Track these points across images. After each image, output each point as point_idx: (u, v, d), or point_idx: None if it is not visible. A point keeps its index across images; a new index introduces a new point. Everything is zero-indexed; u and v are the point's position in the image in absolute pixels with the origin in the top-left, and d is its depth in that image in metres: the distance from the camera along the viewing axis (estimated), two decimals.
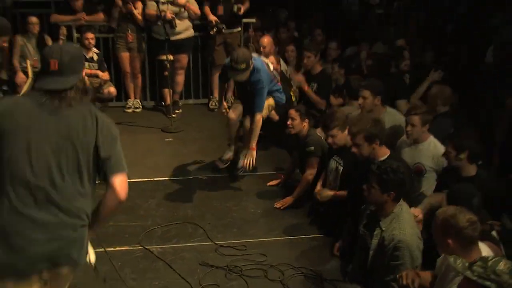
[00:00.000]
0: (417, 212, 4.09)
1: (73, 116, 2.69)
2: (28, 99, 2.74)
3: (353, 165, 4.71)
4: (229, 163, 5.92)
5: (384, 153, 4.44)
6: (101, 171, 2.79)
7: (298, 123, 5.54)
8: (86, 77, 2.86)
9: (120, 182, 2.79)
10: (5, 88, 5.36)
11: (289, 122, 5.59)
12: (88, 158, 2.73)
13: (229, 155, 5.86)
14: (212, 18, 7.75)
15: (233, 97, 7.48)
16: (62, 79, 2.66)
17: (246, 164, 5.46)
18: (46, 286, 2.75)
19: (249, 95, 5.58)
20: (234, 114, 5.73)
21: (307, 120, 5.59)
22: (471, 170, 4.29)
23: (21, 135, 2.62)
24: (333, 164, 5.08)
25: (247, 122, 5.79)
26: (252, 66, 5.26)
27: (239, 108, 5.76)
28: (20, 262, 2.63)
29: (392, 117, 5.52)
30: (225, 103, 6.10)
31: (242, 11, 7.76)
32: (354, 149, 4.54)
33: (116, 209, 2.97)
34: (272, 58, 7.05)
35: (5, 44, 4.99)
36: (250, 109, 5.67)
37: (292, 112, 5.58)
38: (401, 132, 5.24)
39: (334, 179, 5.05)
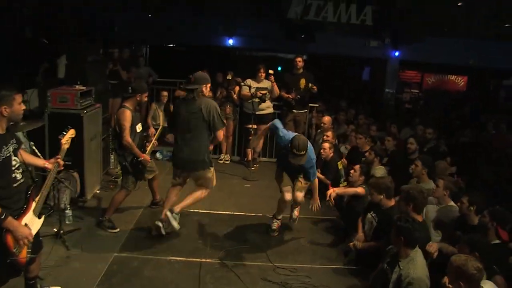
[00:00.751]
0: (435, 245, 3.99)
1: (198, 103, 4.75)
2: (182, 99, 5.08)
3: (387, 221, 4.40)
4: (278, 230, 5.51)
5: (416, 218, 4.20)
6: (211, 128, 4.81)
7: (357, 175, 5.52)
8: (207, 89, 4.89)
9: (217, 134, 4.88)
10: None
11: (351, 171, 5.58)
12: (205, 122, 4.78)
13: (277, 224, 5.48)
14: (288, 96, 7.79)
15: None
16: (193, 85, 4.78)
17: (314, 208, 5.20)
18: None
19: (294, 171, 5.18)
20: (289, 196, 5.17)
21: (363, 177, 5.53)
22: (475, 220, 4.20)
23: (181, 114, 4.82)
24: (369, 216, 4.88)
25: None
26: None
27: (290, 188, 5.21)
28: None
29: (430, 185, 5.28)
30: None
31: (315, 89, 7.69)
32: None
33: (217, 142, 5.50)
34: (330, 133, 7.08)
35: (146, 99, 5.28)
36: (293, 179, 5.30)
37: (357, 166, 5.62)
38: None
39: (368, 230, 4.85)
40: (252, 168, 7.67)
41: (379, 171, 5.81)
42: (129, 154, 5.10)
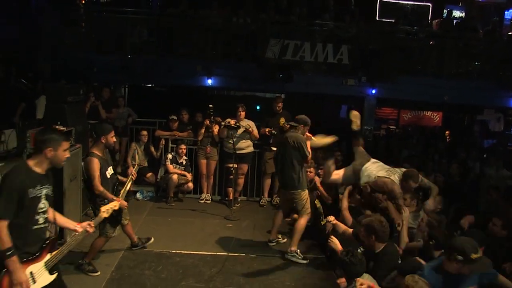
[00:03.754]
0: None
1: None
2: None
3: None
4: None
5: (378, 246, 4.34)
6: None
7: None
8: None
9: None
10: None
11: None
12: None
13: None
14: (267, 130, 7.91)
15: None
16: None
17: None
18: None
19: None
20: None
21: None
22: (434, 253, 4.44)
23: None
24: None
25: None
26: None
27: None
28: None
29: None
30: None
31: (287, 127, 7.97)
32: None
33: None
34: (312, 169, 7.18)
35: (114, 139, 5.18)
36: None
37: None
38: None
39: None
40: (234, 208, 7.71)
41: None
42: (103, 201, 5.00)
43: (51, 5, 10.46)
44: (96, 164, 4.94)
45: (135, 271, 5.27)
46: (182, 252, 5.87)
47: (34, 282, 3.12)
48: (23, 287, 3.02)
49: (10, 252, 2.94)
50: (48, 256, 3.20)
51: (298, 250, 5.89)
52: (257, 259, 5.91)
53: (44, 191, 3.19)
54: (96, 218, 3.66)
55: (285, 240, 6.41)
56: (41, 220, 3.19)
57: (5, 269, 2.97)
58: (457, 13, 14.38)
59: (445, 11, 13.76)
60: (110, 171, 5.21)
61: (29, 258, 3.10)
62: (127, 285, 4.95)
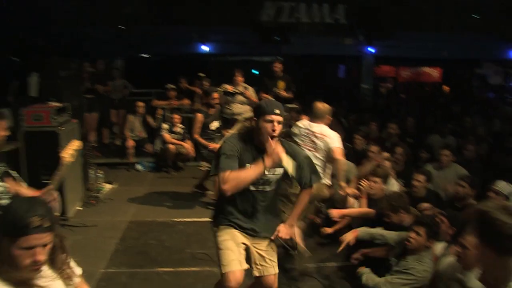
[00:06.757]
0: None
1: None
2: None
3: None
4: None
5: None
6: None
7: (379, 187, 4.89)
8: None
9: None
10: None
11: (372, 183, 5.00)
12: None
13: None
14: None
15: None
16: None
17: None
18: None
19: None
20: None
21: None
22: None
23: None
24: None
25: None
26: None
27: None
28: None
29: None
30: None
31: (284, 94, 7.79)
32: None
33: None
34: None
35: None
36: None
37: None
38: None
39: None
40: None
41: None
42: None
43: None
44: (201, 117, 6.22)
45: (139, 242, 5.23)
46: (185, 220, 5.84)
47: None
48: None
49: None
50: None
51: None
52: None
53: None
54: (60, 168, 2.98)
55: None
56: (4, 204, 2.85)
57: None
58: None
59: None
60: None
61: None
62: (132, 255, 4.91)
